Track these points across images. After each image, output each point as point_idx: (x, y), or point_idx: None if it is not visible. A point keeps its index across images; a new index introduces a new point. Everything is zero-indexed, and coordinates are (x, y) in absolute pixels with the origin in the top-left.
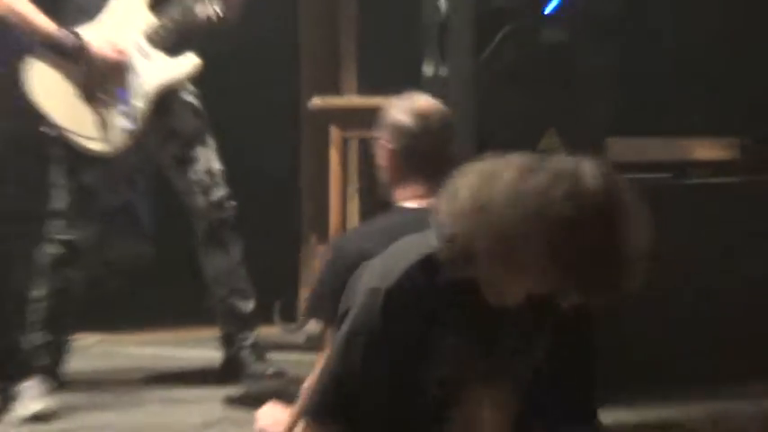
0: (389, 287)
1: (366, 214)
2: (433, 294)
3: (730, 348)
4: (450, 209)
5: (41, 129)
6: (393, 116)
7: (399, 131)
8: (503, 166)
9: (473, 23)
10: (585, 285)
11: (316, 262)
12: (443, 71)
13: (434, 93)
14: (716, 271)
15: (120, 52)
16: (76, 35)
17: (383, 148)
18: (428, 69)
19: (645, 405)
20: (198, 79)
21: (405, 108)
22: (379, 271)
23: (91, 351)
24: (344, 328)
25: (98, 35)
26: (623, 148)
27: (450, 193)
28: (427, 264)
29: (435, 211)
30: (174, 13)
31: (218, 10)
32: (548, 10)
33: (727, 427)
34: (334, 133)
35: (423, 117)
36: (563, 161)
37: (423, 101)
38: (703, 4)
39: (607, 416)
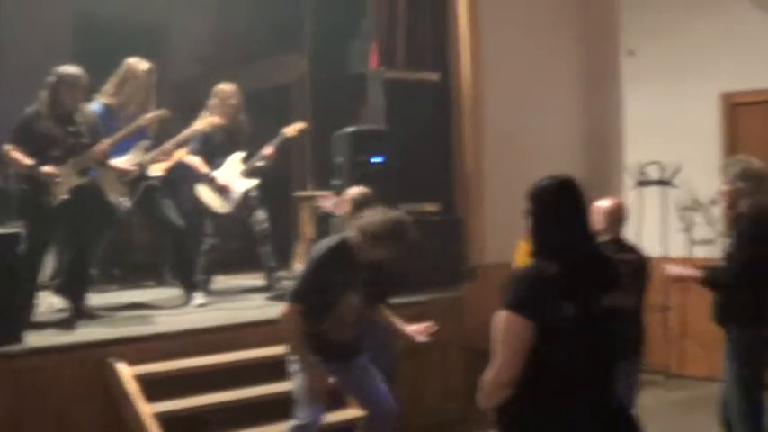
0: (328, 249)
1: None
2: (342, 255)
3: None
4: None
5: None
6: None
7: None
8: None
9: None
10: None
11: None
12: None
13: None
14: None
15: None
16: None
17: None
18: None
19: None
20: None
21: None
22: (325, 244)
23: None
24: (310, 266)
25: (224, 173)
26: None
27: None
28: (342, 243)
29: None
30: (255, 161)
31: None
32: None
33: None
34: (303, 207)
35: None
36: (392, 212)
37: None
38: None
39: None
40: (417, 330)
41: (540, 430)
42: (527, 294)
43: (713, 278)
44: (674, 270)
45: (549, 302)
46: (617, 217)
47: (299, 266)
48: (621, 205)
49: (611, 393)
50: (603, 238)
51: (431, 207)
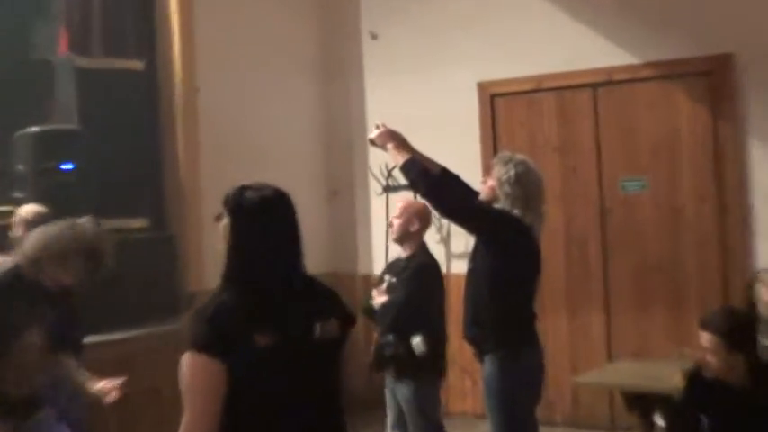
0: None
1: None
2: (15, 286)
3: None
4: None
5: None
6: None
7: None
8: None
9: None
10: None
11: None
12: None
13: None
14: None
15: None
16: None
17: None
18: None
19: None
20: None
21: None
22: None
23: None
24: None
25: None
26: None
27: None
28: (15, 270)
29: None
30: None
31: None
32: None
33: None
34: None
35: None
36: (78, 223)
37: None
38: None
39: None
40: (105, 389)
41: None
42: (212, 331)
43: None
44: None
45: (241, 338)
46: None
47: None
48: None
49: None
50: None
51: (137, 223)
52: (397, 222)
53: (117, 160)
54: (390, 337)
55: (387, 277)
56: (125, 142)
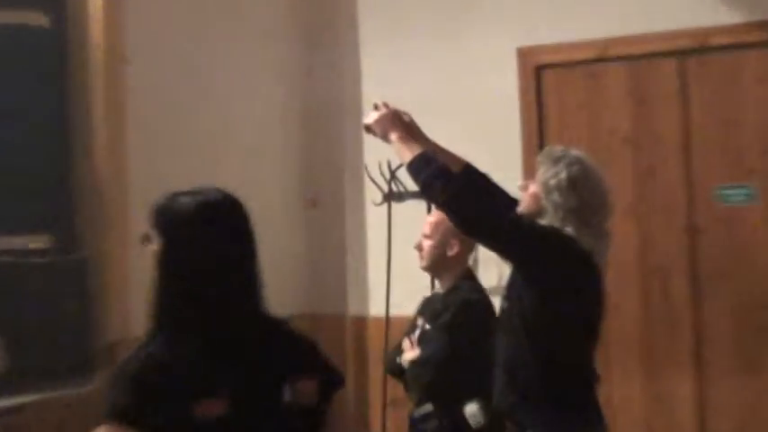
0: None
1: None
2: None
3: None
4: None
5: None
6: None
7: None
8: None
9: None
10: None
11: None
12: None
13: None
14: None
15: None
16: None
17: None
18: None
19: None
20: None
21: None
22: None
23: None
24: None
25: None
26: None
27: None
28: None
29: None
30: None
31: None
32: None
33: None
34: None
35: None
36: None
37: None
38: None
39: None
40: None
41: None
42: (136, 395)
43: None
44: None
45: (176, 405)
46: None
47: None
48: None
49: None
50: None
51: (35, 242)
52: (428, 245)
53: (14, 152)
54: (429, 407)
55: (420, 321)
56: (19, 127)
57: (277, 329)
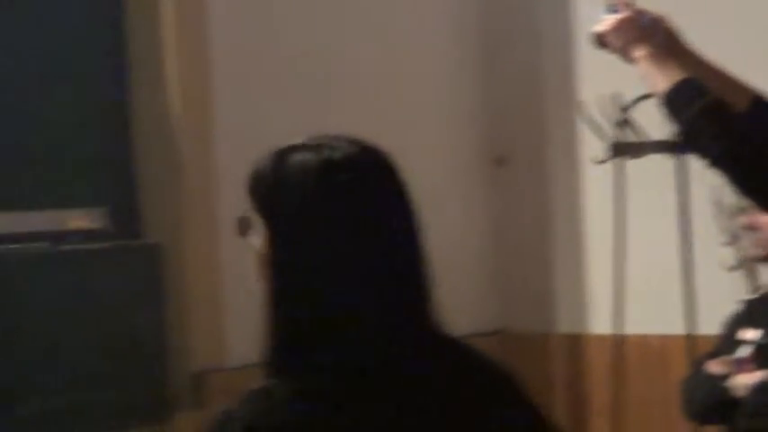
0: None
1: None
2: None
3: None
4: None
5: None
6: None
7: None
8: None
9: None
10: None
11: None
12: None
13: None
14: (93, 328)
15: None
16: None
17: None
18: None
19: None
20: None
21: None
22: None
23: None
24: None
25: None
26: (1, 221)
27: None
28: None
29: None
30: None
31: None
32: None
33: None
34: None
35: None
36: None
37: None
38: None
39: None
40: None
41: None
42: None
43: None
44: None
45: None
46: None
47: None
48: None
49: None
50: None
51: (84, 221)
52: None
53: (44, 92)
54: None
55: (750, 335)
56: (62, 66)
57: (458, 356)
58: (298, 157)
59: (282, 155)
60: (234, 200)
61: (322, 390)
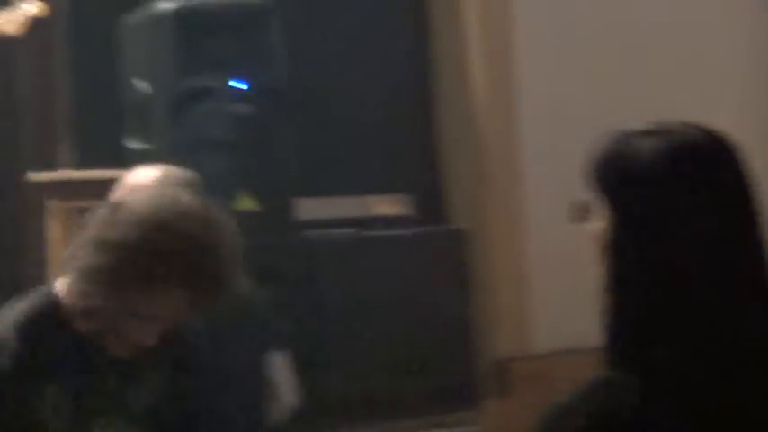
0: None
1: None
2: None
3: (411, 385)
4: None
5: None
6: None
7: None
8: None
9: (172, 101)
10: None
11: None
12: (146, 144)
13: (138, 164)
14: (399, 313)
15: None
16: None
17: None
18: (132, 143)
19: None
20: None
21: None
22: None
23: None
24: None
25: None
26: (310, 206)
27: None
28: (52, 306)
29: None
30: None
31: None
32: (236, 86)
33: None
34: (52, 204)
35: None
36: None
37: None
38: (365, 73)
39: None
40: None
41: None
42: None
43: None
44: None
45: None
46: None
47: None
48: None
49: None
50: None
51: (390, 206)
52: None
53: (354, 78)
54: None
55: None
56: (374, 47)
57: None
58: (648, 143)
59: (631, 140)
60: (537, 184)
61: (664, 385)
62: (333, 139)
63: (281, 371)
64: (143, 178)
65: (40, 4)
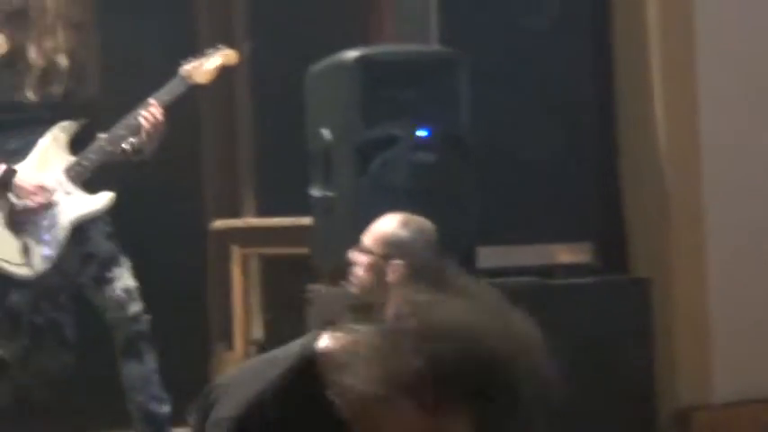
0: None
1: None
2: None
3: None
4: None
5: None
6: None
7: None
8: None
9: (356, 149)
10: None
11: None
12: (330, 192)
13: (320, 211)
14: (579, 362)
15: (43, 189)
16: (10, 170)
17: None
18: (316, 191)
19: None
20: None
21: None
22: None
23: None
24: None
25: (26, 174)
26: (492, 254)
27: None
28: (310, 361)
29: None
30: (89, 151)
31: (134, 143)
32: (419, 133)
33: None
34: (235, 251)
35: None
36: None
37: None
38: (549, 120)
39: None
40: None
41: None
42: None
43: None
44: None
45: None
46: None
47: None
48: None
49: None
50: None
51: (570, 255)
52: None
53: (527, 124)
54: None
55: None
56: (549, 104)
57: None
58: None
59: None
60: (721, 232)
61: None
62: (514, 187)
63: None
64: (387, 227)
65: (230, 52)
